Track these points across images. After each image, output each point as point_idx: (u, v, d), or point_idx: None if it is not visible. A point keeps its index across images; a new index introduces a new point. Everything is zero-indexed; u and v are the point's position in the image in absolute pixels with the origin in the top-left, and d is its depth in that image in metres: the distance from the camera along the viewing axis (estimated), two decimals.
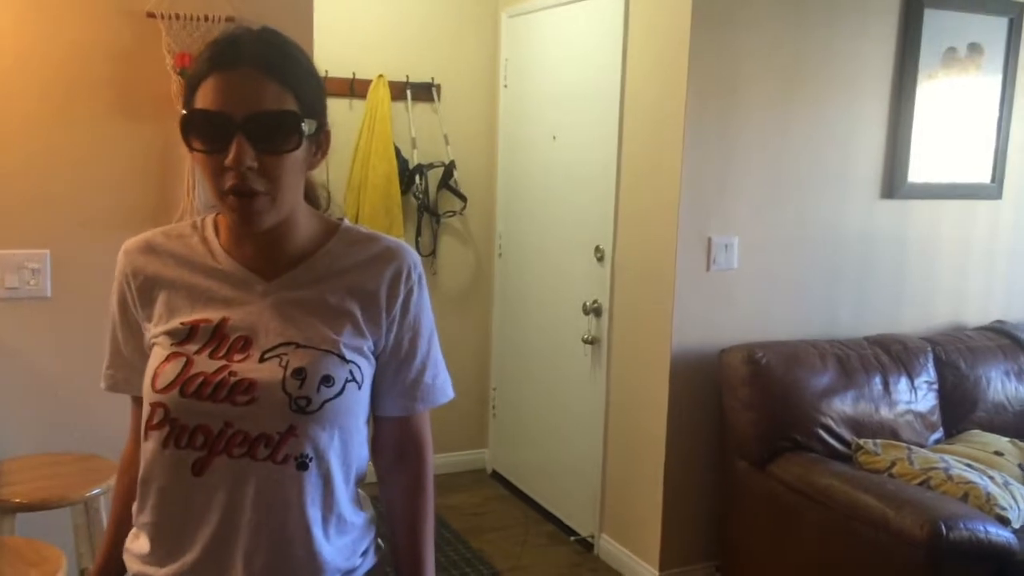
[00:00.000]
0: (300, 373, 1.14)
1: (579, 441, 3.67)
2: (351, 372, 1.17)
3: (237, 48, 1.11)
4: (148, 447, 1.18)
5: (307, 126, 1.13)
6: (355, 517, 1.25)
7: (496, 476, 4.37)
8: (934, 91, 3.44)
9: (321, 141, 1.20)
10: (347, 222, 1.28)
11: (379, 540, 1.33)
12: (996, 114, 3.61)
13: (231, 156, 1.07)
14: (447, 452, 4.30)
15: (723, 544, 3.19)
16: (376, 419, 1.30)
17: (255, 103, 1.09)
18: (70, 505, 2.23)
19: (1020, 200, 3.76)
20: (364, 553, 1.27)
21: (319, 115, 1.17)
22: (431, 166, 4.10)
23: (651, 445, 3.22)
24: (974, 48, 3.51)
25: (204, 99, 1.10)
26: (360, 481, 1.27)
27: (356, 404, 1.20)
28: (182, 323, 1.18)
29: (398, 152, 3.99)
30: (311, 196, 1.27)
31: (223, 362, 1.15)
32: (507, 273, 4.23)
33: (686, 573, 3.26)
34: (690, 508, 3.23)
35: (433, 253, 4.20)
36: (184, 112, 1.12)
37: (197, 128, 1.11)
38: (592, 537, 3.61)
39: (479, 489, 4.25)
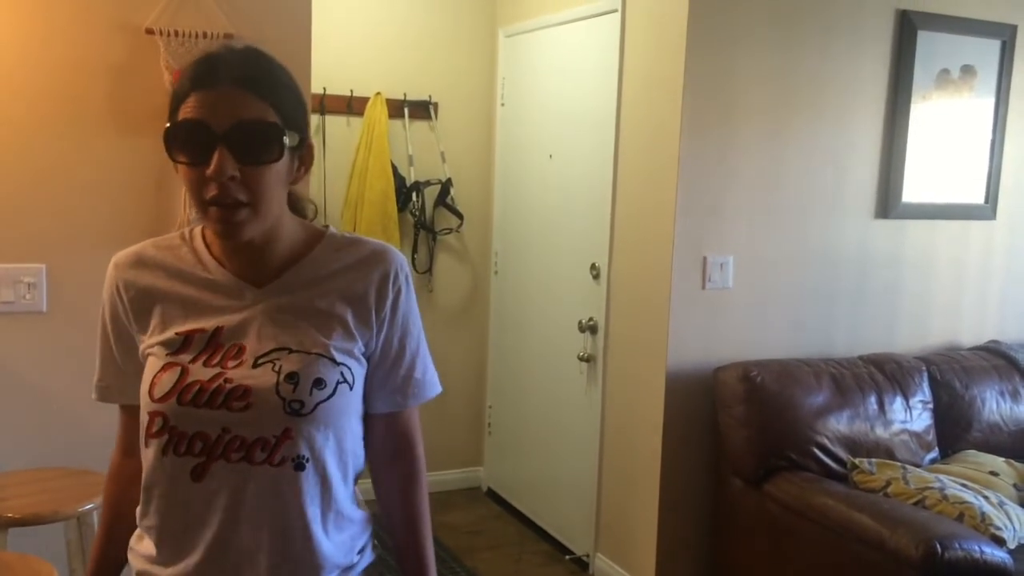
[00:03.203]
0: (293, 377, 1.17)
1: (575, 459, 3.66)
2: (342, 374, 1.21)
3: (217, 67, 1.14)
4: (148, 454, 1.21)
5: (289, 138, 1.15)
6: (354, 513, 1.28)
7: (491, 494, 4.36)
8: (928, 112, 3.46)
9: (304, 155, 1.22)
10: (333, 229, 1.30)
11: (375, 541, 1.34)
12: (989, 135, 3.64)
13: (213, 166, 1.10)
14: (442, 470, 4.29)
15: (718, 563, 3.18)
16: (367, 417, 1.32)
17: (236, 115, 1.11)
18: (63, 520, 2.22)
19: (1014, 221, 3.78)
20: (362, 550, 1.30)
21: (301, 129, 1.19)
22: (428, 183, 4.11)
23: (646, 463, 3.22)
24: (967, 70, 3.54)
25: (186, 114, 1.13)
26: (358, 478, 1.30)
27: (348, 405, 1.23)
28: (177, 333, 1.21)
29: (395, 169, 4.00)
30: (298, 208, 1.30)
31: (218, 369, 1.17)
32: (503, 291, 4.24)
33: None
34: (685, 526, 3.22)
35: (429, 270, 4.20)
36: (167, 125, 1.15)
37: (180, 140, 1.13)
38: (587, 556, 3.59)
39: (474, 507, 4.23)
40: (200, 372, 1.17)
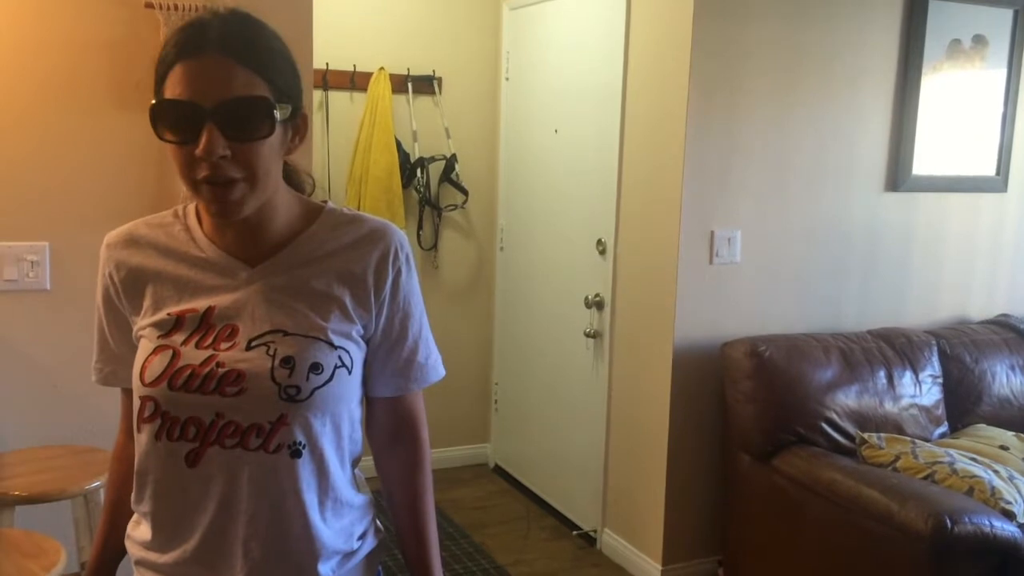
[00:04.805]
0: (288, 362, 1.13)
1: (581, 435, 3.65)
2: (340, 358, 1.16)
3: (203, 34, 1.08)
4: (141, 439, 1.18)
5: (280, 112, 1.10)
6: (353, 498, 1.24)
7: (498, 470, 4.36)
8: (939, 83, 3.42)
9: (298, 125, 1.16)
10: (331, 204, 1.26)
11: (378, 523, 1.32)
12: (1001, 107, 3.60)
13: (202, 146, 1.05)
14: (449, 447, 4.29)
15: (726, 538, 3.18)
16: (370, 400, 1.29)
17: (224, 90, 1.06)
18: (69, 498, 2.22)
19: None
20: (362, 536, 1.27)
21: (294, 99, 1.14)
22: (432, 159, 4.09)
23: (653, 439, 3.21)
24: (979, 40, 3.48)
25: (172, 88, 1.07)
26: (356, 463, 1.27)
27: (347, 390, 1.19)
28: (169, 314, 1.17)
29: (399, 145, 3.97)
30: (295, 181, 1.25)
31: (210, 352, 1.14)
32: (509, 267, 4.22)
33: (689, 567, 3.25)
34: (693, 502, 3.22)
35: (435, 247, 4.18)
36: (153, 102, 1.09)
37: (166, 119, 1.08)
38: (595, 531, 3.60)
39: (481, 483, 4.24)
40: (192, 355, 1.13)
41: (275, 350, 1.13)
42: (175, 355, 1.14)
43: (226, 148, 1.06)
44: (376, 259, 1.20)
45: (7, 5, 2.45)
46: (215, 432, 1.12)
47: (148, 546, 1.21)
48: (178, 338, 1.15)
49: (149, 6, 2.52)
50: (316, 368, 1.13)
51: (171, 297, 1.18)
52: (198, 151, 1.05)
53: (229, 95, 1.06)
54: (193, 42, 1.07)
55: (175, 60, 1.07)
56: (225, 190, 1.08)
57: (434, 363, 1.30)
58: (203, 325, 1.15)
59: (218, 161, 1.06)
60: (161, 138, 1.09)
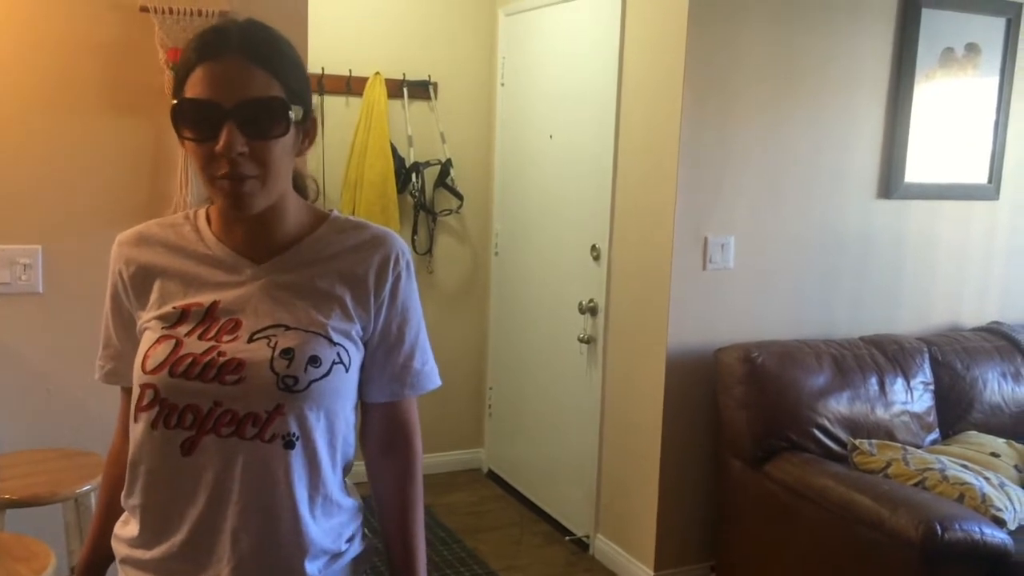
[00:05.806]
0: (288, 353, 1.16)
1: (575, 440, 3.66)
2: (338, 354, 1.20)
3: (223, 38, 1.13)
4: (137, 429, 1.19)
5: (294, 113, 1.16)
6: (343, 500, 1.26)
7: (492, 475, 4.36)
8: (931, 91, 3.43)
9: (308, 128, 1.22)
10: (336, 212, 1.30)
11: (366, 530, 1.33)
12: (993, 115, 3.61)
13: (222, 143, 1.10)
14: (443, 451, 4.29)
15: (718, 544, 3.18)
16: (365, 406, 1.32)
17: (243, 91, 1.11)
18: (61, 501, 2.22)
19: (1017, 201, 3.75)
20: (351, 539, 1.28)
21: (305, 102, 1.19)
22: (428, 164, 4.09)
23: (647, 445, 3.22)
24: (972, 48, 3.50)
25: (193, 89, 1.13)
26: (348, 470, 1.29)
27: (343, 386, 1.21)
28: (174, 307, 1.21)
29: (394, 150, 3.98)
30: (300, 186, 1.30)
31: (212, 343, 1.17)
32: (503, 272, 4.23)
33: (681, 573, 3.25)
34: (685, 508, 3.22)
35: (429, 252, 4.19)
36: (174, 102, 1.15)
37: (187, 117, 1.13)
38: (587, 537, 3.60)
39: (475, 488, 4.24)
40: (194, 345, 1.16)
41: (276, 342, 1.17)
42: (178, 344, 1.17)
43: (244, 145, 1.11)
44: (378, 262, 1.25)
45: (1, 8, 2.45)
46: (212, 420, 1.15)
47: (134, 543, 1.22)
48: (182, 330, 1.18)
49: (144, 10, 2.52)
50: (315, 361, 1.17)
51: (177, 292, 1.22)
52: (218, 148, 1.10)
53: (248, 95, 1.11)
54: (214, 46, 1.13)
55: (196, 62, 1.13)
56: (240, 184, 1.13)
57: (430, 371, 1.33)
58: (207, 318, 1.19)
59: (236, 158, 1.11)
60: (181, 136, 1.14)
